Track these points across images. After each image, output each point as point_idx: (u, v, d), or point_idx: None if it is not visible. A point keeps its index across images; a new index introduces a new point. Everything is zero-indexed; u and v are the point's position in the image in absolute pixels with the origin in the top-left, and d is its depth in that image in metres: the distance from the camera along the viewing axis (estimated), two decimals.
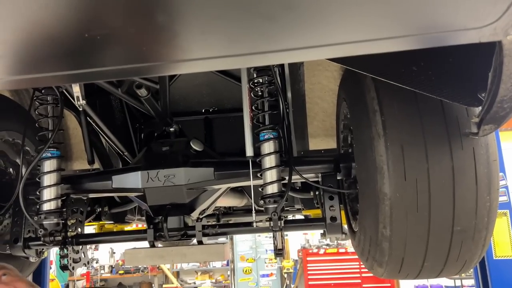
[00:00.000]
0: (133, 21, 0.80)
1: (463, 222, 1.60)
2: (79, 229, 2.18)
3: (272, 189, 1.86)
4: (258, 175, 1.91)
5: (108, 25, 0.79)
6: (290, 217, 4.55)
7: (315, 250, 11.61)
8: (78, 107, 2.21)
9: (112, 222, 3.22)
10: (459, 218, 1.59)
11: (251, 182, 1.90)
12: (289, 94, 2.26)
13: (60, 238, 1.97)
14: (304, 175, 1.99)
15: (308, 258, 11.51)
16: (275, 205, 1.83)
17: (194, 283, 13.21)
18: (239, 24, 0.76)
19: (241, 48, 0.82)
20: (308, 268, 11.45)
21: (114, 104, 2.84)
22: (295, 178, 1.99)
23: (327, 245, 11.66)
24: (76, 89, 2.13)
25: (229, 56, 0.83)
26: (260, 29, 0.77)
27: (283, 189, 1.88)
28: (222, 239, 7.62)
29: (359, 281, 10.90)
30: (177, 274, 13.54)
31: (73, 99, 2.07)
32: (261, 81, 1.91)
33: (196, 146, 2.05)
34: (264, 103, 1.92)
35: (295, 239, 12.52)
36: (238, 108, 2.08)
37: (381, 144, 1.60)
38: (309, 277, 11.38)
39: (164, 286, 13.04)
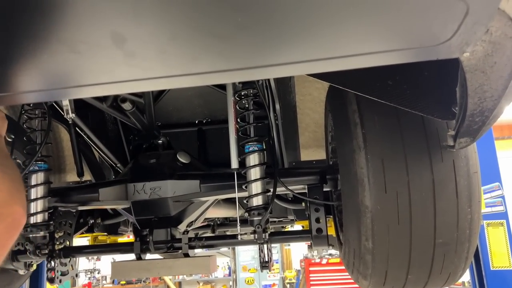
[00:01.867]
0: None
1: (445, 235, 1.59)
2: (68, 242, 2.19)
3: (257, 201, 1.87)
4: (243, 187, 1.91)
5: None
6: (289, 227, 4.56)
7: (318, 260, 11.54)
8: (68, 120, 2.25)
9: (105, 233, 3.24)
10: (440, 230, 1.58)
11: (236, 195, 1.91)
12: (277, 106, 2.27)
13: (46, 251, 1.98)
14: (290, 187, 1.99)
15: (310, 268, 11.44)
16: (259, 218, 1.84)
17: None
18: (195, 44, 0.78)
19: (201, 67, 0.83)
20: (311, 278, 11.37)
21: (107, 116, 2.86)
22: (281, 190, 1.99)
23: (330, 255, 11.59)
24: (66, 103, 2.16)
25: (188, 74, 0.84)
26: (216, 48, 0.78)
27: (268, 201, 1.89)
28: (213, 250, 7.53)
29: None
30: (179, 285, 13.50)
31: (63, 112, 2.10)
32: (246, 93, 1.93)
33: (182, 159, 2.06)
34: (249, 115, 1.93)
35: (298, 249, 12.47)
36: None
37: (362, 157, 1.60)
38: (312, 287, 11.30)
39: None
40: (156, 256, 2.27)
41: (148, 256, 2.11)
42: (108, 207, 2.29)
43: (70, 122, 2.25)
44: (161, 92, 2.60)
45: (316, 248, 1.98)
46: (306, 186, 2.03)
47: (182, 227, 2.12)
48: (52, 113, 2.30)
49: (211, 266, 1.98)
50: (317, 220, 1.96)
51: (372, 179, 1.58)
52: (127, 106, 1.88)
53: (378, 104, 1.62)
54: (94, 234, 3.24)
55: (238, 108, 1.96)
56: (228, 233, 3.80)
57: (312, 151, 2.99)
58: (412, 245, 1.62)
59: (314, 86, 2.81)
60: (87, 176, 2.90)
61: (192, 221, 2.20)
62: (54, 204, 2.07)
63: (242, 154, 1.91)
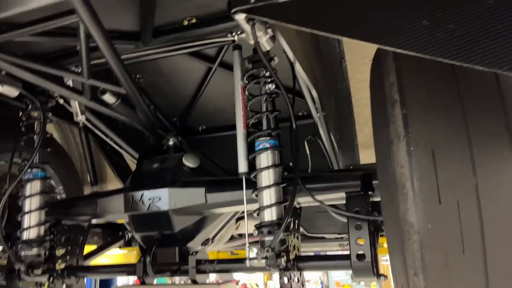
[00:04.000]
0: None
1: None
2: (75, 259, 1.93)
3: (270, 215, 1.41)
4: (254, 196, 1.47)
5: None
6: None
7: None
8: (78, 123, 2.02)
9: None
10: None
11: (245, 207, 1.47)
12: (313, 92, 1.77)
13: (39, 271, 1.73)
14: (328, 196, 1.50)
15: None
16: (271, 238, 1.37)
17: None
18: None
19: None
20: None
21: None
22: (307, 201, 1.50)
23: None
24: (73, 104, 1.94)
25: None
26: None
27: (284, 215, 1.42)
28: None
29: None
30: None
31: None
32: (257, 73, 1.50)
33: (189, 162, 1.68)
34: (261, 103, 1.49)
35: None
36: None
37: (402, 149, 1.07)
38: None
39: None
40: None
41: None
42: (106, 220, 2.00)
43: (81, 125, 2.03)
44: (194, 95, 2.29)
45: (359, 279, 1.44)
46: (345, 195, 1.52)
47: (194, 245, 1.73)
48: (62, 114, 2.11)
49: None
50: (358, 241, 1.43)
51: (418, 183, 1.04)
52: (109, 99, 1.56)
53: (426, 70, 1.09)
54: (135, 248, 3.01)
55: (248, 94, 1.53)
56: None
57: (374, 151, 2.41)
58: (489, 284, 1.02)
59: None
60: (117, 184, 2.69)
61: (209, 239, 1.80)
62: (53, 217, 1.83)
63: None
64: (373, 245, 1.46)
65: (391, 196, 1.11)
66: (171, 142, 1.87)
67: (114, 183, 2.98)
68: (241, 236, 2.64)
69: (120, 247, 2.73)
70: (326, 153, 2.08)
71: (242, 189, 1.51)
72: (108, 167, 2.92)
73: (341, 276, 12.36)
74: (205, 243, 1.79)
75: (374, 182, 1.50)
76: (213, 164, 1.85)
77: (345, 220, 1.86)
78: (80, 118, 1.97)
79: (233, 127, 2.57)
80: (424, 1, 0.85)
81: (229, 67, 2.19)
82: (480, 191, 0.98)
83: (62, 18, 1.17)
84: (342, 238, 3.07)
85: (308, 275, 13.92)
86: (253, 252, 1.47)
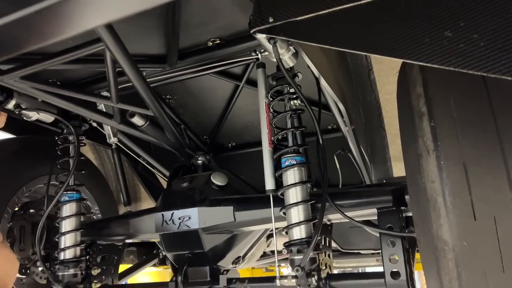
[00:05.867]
0: None
1: None
2: (111, 279, 1.96)
3: (299, 233, 1.39)
4: (282, 213, 1.45)
5: None
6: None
7: None
8: (111, 145, 2.08)
9: None
10: None
11: (273, 224, 1.46)
12: (340, 106, 1.75)
13: None
14: (350, 213, 1.46)
15: None
16: (301, 256, 1.35)
17: None
18: None
19: None
20: None
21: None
22: (337, 217, 1.47)
23: None
24: (106, 127, 2.00)
25: None
26: None
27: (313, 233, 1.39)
28: None
29: None
30: None
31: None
32: (281, 90, 1.50)
33: (217, 181, 1.69)
34: (286, 120, 1.49)
35: None
36: None
37: (432, 163, 1.03)
38: None
39: None
40: None
41: None
42: (140, 240, 2.02)
43: (114, 146, 2.08)
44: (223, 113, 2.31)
45: None
46: (376, 210, 1.47)
47: (225, 264, 1.72)
48: (95, 137, 2.17)
49: None
50: (392, 259, 1.38)
51: (450, 198, 1.00)
52: (138, 121, 1.59)
53: (454, 81, 1.06)
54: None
55: (273, 110, 1.53)
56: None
57: None
58: None
59: None
60: (150, 203, 2.73)
61: (240, 257, 1.79)
62: (84, 238, 1.87)
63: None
64: (408, 262, 1.40)
65: (423, 212, 1.07)
66: (199, 161, 1.89)
67: (147, 202, 3.03)
68: (273, 253, 2.62)
69: (155, 265, 2.76)
70: (358, 167, 2.04)
71: (270, 206, 1.50)
72: (141, 187, 2.99)
73: None
74: (236, 261, 1.78)
75: (406, 197, 1.45)
76: (241, 181, 1.84)
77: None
78: (112, 140, 2.02)
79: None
80: (446, 11, 0.83)
81: (256, 84, 2.21)
82: None
83: (90, 46, 1.22)
84: (378, 253, 2.98)
85: None
86: (288, 269, 1.44)
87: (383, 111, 2.31)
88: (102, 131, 2.05)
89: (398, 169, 2.34)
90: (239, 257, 1.79)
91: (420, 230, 1.14)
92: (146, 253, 2.76)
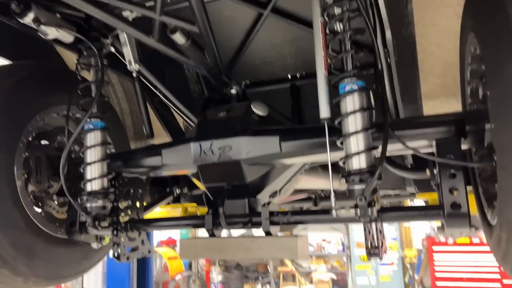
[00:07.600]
0: None
1: None
2: (137, 213, 1.88)
3: (359, 163, 1.31)
4: (339, 144, 1.37)
5: None
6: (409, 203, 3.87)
7: (443, 240, 10.29)
8: (132, 73, 1.92)
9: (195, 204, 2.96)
10: None
11: (328, 155, 1.37)
12: (387, 33, 1.62)
13: (106, 223, 1.68)
14: (410, 144, 1.38)
15: (434, 248, 10.26)
16: (362, 186, 1.27)
17: (309, 267, 12.87)
18: None
19: None
20: (435, 259, 10.22)
21: (188, 74, 2.51)
22: (395, 148, 1.39)
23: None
24: (127, 51, 1.83)
25: None
26: None
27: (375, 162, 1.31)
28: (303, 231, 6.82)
29: (498, 276, 9.35)
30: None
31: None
32: (340, 10, 1.36)
33: (258, 110, 1.58)
34: (345, 41, 1.36)
35: (418, 227, 11.35)
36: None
37: None
38: (436, 268, 10.15)
39: (279, 268, 12.98)
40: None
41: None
42: (173, 173, 1.92)
43: (135, 75, 1.92)
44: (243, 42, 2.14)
45: (451, 230, 1.35)
46: (434, 143, 1.40)
47: (263, 197, 1.65)
48: (113, 64, 2.00)
49: (299, 249, 1.49)
50: (452, 191, 1.33)
51: None
52: (179, 39, 1.44)
53: None
54: (184, 205, 2.96)
55: (328, 32, 1.40)
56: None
57: (440, 102, 2.27)
58: None
59: (441, 12, 2.07)
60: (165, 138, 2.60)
61: (276, 191, 1.72)
62: (116, 169, 1.76)
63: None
64: (467, 194, 1.35)
65: None
66: (233, 91, 1.76)
67: (161, 139, 2.90)
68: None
69: (168, 203, 2.68)
70: (393, 103, 1.95)
71: (320, 137, 1.41)
72: (155, 122, 2.84)
73: (363, 238, 12.46)
74: (273, 195, 1.71)
75: (467, 128, 1.38)
76: (280, 115, 1.73)
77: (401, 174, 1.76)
78: (134, 67, 1.87)
79: (279, 81, 2.46)
80: None
81: (282, 13, 2.04)
82: None
83: None
84: (390, 195, 2.99)
85: (328, 235, 14.04)
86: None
87: (417, 46, 2.20)
88: (118, 55, 1.88)
89: (429, 107, 2.27)
90: (276, 191, 1.71)
91: (508, 159, 1.06)
92: (158, 192, 2.67)
